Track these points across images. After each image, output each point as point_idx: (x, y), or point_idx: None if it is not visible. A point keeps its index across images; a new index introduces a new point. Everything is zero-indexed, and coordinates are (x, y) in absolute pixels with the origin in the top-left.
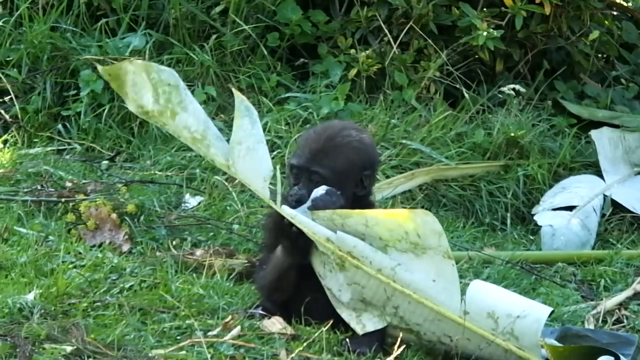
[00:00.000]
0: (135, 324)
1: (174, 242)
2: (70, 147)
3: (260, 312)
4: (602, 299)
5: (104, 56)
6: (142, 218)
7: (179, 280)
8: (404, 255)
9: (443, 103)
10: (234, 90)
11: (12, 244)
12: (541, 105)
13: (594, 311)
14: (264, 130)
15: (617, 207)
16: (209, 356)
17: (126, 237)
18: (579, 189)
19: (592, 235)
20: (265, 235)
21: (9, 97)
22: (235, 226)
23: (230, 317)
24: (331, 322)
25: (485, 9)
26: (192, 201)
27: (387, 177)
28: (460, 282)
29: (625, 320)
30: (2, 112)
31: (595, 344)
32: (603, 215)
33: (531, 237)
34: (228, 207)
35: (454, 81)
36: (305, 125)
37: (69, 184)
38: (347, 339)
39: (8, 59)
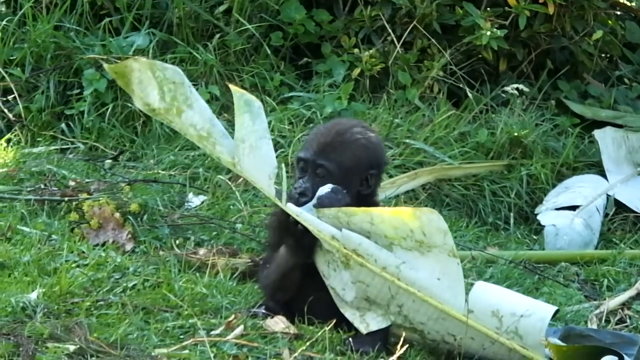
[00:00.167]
0: (138, 323)
1: (177, 241)
2: (74, 146)
3: (263, 311)
4: (605, 299)
5: (107, 55)
6: (145, 217)
7: (182, 279)
8: (409, 254)
9: (446, 102)
10: (231, 86)
11: (15, 242)
12: (544, 104)
13: (597, 311)
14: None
15: (620, 206)
16: (212, 355)
17: (129, 236)
18: (582, 189)
19: (595, 235)
20: (269, 234)
21: (13, 96)
22: (239, 225)
23: (233, 316)
24: (334, 321)
25: (488, 9)
26: (195, 200)
27: (391, 176)
28: (464, 282)
29: (628, 320)
30: (6, 111)
31: (599, 343)
32: (606, 215)
33: (534, 237)
34: (231, 207)
35: (457, 81)
36: (308, 125)
37: (72, 183)
38: (350, 339)
39: (12, 57)
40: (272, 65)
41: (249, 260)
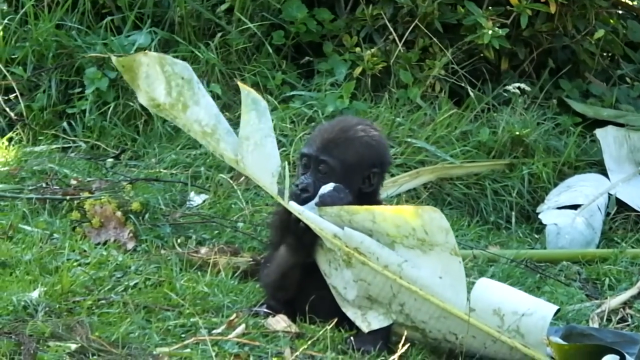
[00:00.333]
0: (139, 322)
1: (178, 240)
2: (75, 145)
3: (265, 310)
4: (606, 298)
5: (109, 54)
6: (146, 216)
7: (183, 278)
8: (411, 252)
9: (448, 101)
10: (240, 83)
11: (17, 241)
12: (546, 103)
13: (599, 310)
14: None
15: (621, 205)
16: (213, 354)
17: (131, 235)
18: (584, 188)
19: (597, 234)
20: (271, 233)
21: (14, 94)
22: (240, 224)
23: (234, 315)
24: (336, 320)
25: (490, 8)
26: (197, 199)
27: (392, 175)
28: (465, 281)
29: (629, 319)
30: (8, 109)
31: (600, 342)
32: (608, 214)
33: (536, 236)
34: (233, 205)
35: (459, 80)
36: (310, 124)
37: (73, 182)
38: (352, 337)
39: (13, 56)
40: (273, 64)
41: (251, 259)
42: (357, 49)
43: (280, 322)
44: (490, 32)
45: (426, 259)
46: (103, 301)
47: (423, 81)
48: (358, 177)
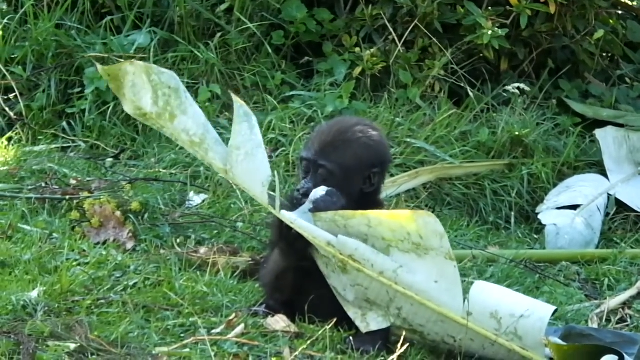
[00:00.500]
0: (139, 322)
1: (178, 240)
2: (75, 144)
3: (264, 310)
4: (606, 298)
5: (108, 54)
6: (146, 216)
7: (182, 278)
8: (407, 256)
9: (447, 102)
10: (233, 96)
11: (16, 241)
12: (546, 104)
13: (598, 310)
14: (269, 128)
15: (621, 206)
16: (212, 354)
17: (130, 234)
18: (583, 188)
19: (596, 234)
20: (271, 232)
21: (14, 94)
22: (240, 224)
23: (234, 315)
24: (335, 320)
25: (490, 8)
26: (196, 199)
27: (392, 175)
28: (464, 281)
29: (629, 319)
30: (7, 109)
31: (599, 343)
32: (607, 215)
33: (535, 236)
34: (232, 205)
35: (458, 80)
36: (309, 124)
37: (73, 182)
38: (351, 337)
39: (13, 56)
40: (273, 64)
41: (250, 259)
42: (357, 49)
43: (279, 322)
44: (489, 32)
45: (421, 263)
46: (102, 301)
47: (422, 81)
48: (358, 178)
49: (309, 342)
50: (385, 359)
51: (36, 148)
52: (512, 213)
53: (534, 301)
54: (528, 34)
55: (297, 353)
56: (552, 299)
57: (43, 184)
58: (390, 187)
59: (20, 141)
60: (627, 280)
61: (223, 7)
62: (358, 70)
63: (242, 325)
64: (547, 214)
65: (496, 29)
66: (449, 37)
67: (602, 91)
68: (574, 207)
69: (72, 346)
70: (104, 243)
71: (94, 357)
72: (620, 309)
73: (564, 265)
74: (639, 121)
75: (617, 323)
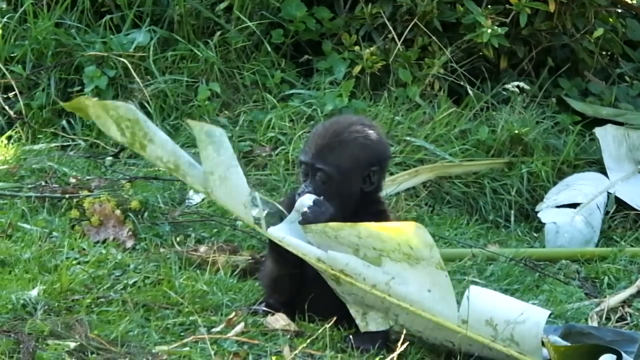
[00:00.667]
0: (138, 320)
1: (177, 239)
2: (75, 143)
3: (264, 308)
4: (605, 297)
5: (108, 52)
6: (146, 214)
7: (182, 276)
8: (399, 265)
9: (447, 100)
10: (189, 121)
11: (16, 240)
12: (545, 102)
13: (598, 308)
14: (268, 127)
15: (620, 204)
16: (212, 353)
17: (130, 233)
18: (583, 187)
19: (596, 232)
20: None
21: (14, 93)
22: (239, 222)
23: (233, 313)
24: (335, 318)
25: (489, 6)
26: (196, 197)
27: (391, 174)
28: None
29: (628, 318)
30: (7, 108)
31: (599, 341)
32: (607, 213)
33: (535, 235)
34: None
35: (458, 78)
36: (309, 122)
37: (73, 180)
38: (351, 336)
39: (12, 55)
40: (272, 62)
41: (250, 258)
42: (356, 48)
43: (279, 321)
44: (489, 30)
45: (414, 272)
46: (102, 299)
47: (422, 80)
48: (357, 178)
49: (308, 340)
50: (385, 357)
51: (36, 147)
52: (512, 211)
53: (529, 306)
54: (527, 33)
55: (297, 351)
56: (551, 297)
57: (43, 183)
58: (390, 185)
59: (20, 140)
60: (626, 278)
61: (222, 5)
62: (357, 68)
63: (242, 324)
64: (546, 212)
65: (496, 27)
66: (449, 36)
67: (601, 89)
68: (574, 206)
69: (72, 345)
70: (104, 242)
71: (93, 355)
72: (620, 307)
73: (563, 263)
74: (639, 119)
75: (617, 321)
